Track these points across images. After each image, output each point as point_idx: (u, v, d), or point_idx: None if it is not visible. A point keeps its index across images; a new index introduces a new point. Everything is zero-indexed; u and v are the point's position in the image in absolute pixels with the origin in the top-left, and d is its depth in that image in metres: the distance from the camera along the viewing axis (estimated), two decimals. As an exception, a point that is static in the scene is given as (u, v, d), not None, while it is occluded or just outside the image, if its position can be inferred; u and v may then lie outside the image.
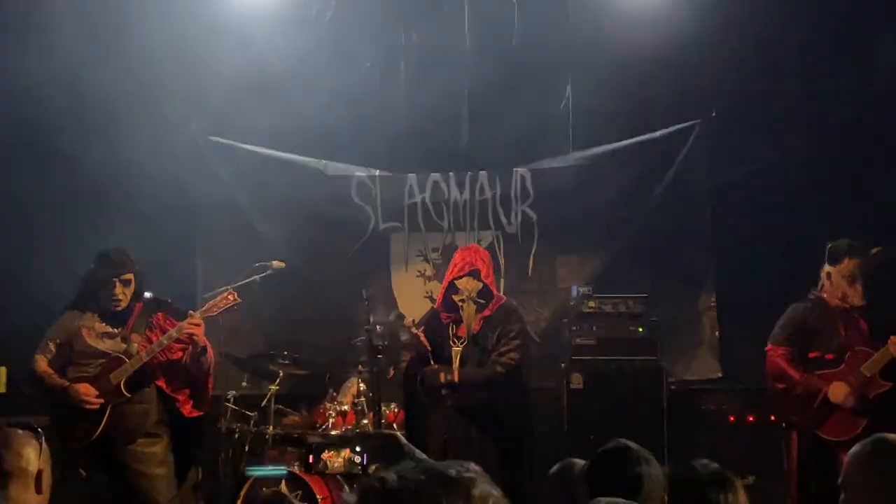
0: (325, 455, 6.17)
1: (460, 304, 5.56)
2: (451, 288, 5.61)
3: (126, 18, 6.72)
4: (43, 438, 2.95)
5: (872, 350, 5.41)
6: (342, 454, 6.12)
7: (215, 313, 5.25)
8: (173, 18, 6.76)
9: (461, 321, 5.70)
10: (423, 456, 3.02)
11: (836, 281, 5.60)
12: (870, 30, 6.69)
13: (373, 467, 6.04)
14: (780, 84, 7.00)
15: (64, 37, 6.54)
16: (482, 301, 5.59)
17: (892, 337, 5.34)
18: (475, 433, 5.67)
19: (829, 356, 5.53)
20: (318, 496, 5.88)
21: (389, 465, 2.96)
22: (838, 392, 5.39)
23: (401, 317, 5.80)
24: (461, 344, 5.60)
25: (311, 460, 6.17)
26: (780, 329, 5.70)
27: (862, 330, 5.55)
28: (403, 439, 3.18)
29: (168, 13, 6.76)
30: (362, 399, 6.42)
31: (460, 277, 5.57)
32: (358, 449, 5.93)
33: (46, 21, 6.61)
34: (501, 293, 7.27)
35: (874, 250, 5.58)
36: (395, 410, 6.17)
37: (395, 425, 6.07)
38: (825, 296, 5.65)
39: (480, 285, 5.56)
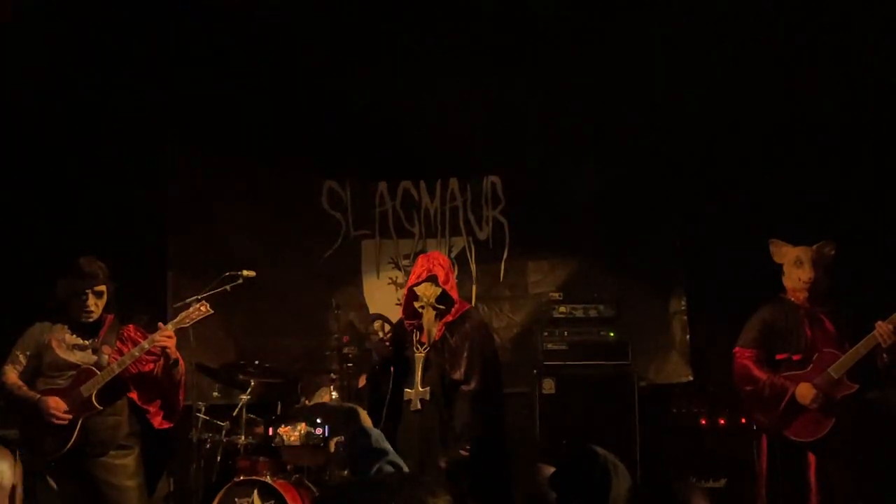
0: (281, 429, 6.17)
1: (420, 310, 5.56)
2: (412, 295, 5.62)
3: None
4: (17, 454, 2.90)
5: (839, 352, 5.44)
6: (298, 428, 6.13)
7: (187, 325, 5.20)
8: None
9: (423, 327, 5.70)
10: (387, 445, 3.00)
11: (787, 272, 5.68)
12: (821, 31, 6.73)
13: (333, 441, 6.03)
14: (743, 85, 7.04)
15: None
16: (442, 307, 5.59)
17: (878, 322, 5.28)
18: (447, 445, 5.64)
19: (796, 357, 5.56)
20: (290, 506, 5.86)
21: (350, 439, 2.93)
22: (805, 394, 5.42)
23: (380, 319, 5.77)
24: (424, 350, 5.61)
25: (270, 433, 6.16)
26: (747, 331, 5.74)
27: (828, 331, 5.57)
28: (365, 415, 3.16)
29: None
30: (334, 407, 6.43)
31: (419, 284, 5.58)
32: (318, 421, 5.92)
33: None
34: (474, 299, 7.30)
35: (819, 244, 5.63)
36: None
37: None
38: (789, 295, 5.71)
39: (439, 291, 5.56)
